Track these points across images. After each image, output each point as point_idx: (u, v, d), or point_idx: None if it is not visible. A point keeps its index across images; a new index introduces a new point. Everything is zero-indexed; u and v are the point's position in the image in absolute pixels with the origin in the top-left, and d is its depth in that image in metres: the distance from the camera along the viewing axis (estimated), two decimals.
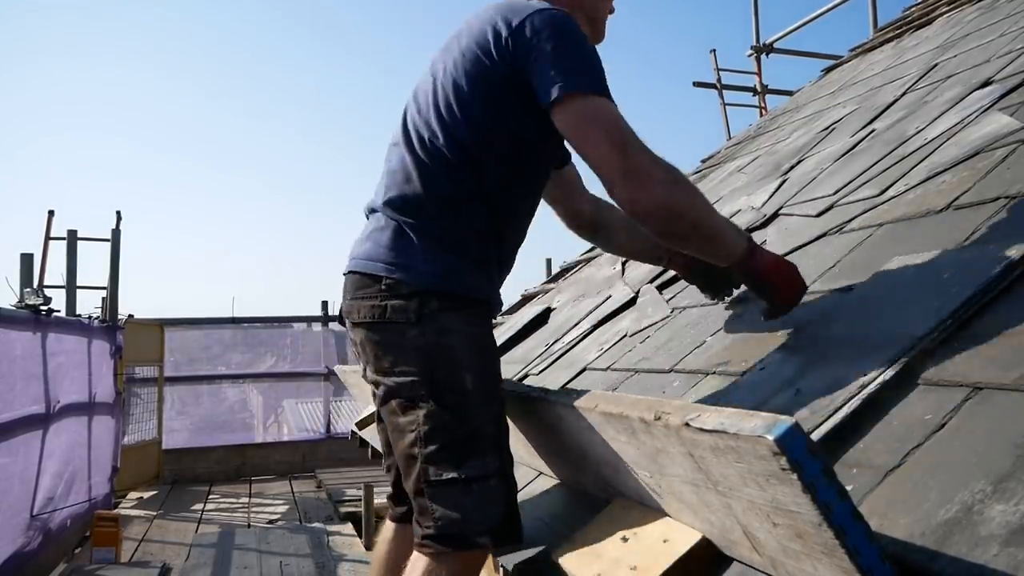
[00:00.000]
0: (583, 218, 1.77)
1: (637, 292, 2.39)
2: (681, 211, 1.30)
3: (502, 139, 1.39)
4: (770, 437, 0.76)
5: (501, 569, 1.46)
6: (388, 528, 1.70)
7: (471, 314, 1.37)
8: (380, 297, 1.35)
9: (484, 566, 1.39)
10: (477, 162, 1.38)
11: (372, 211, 1.48)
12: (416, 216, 1.38)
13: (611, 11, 1.61)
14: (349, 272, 1.44)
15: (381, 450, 1.65)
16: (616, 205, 1.35)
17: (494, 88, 1.37)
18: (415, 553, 1.34)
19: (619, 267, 2.93)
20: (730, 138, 5.35)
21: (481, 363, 1.36)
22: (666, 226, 1.32)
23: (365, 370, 1.44)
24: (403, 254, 1.36)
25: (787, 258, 1.51)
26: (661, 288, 2.30)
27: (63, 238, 6.34)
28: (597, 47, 1.46)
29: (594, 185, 1.46)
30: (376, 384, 1.39)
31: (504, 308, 4.16)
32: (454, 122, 1.38)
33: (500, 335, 3.28)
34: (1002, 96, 1.92)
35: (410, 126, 1.45)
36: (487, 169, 1.39)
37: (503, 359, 2.94)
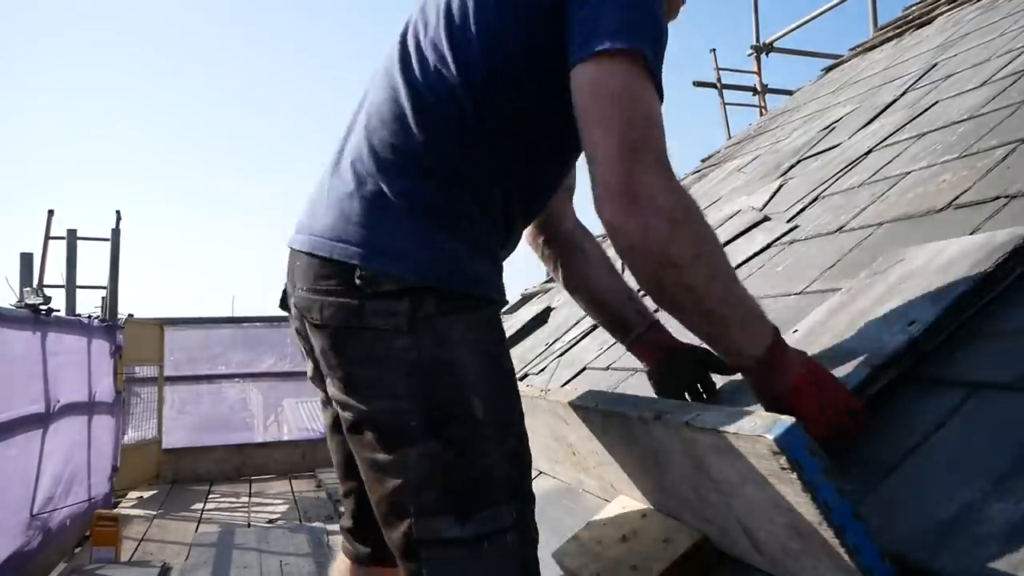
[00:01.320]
0: (558, 234, 1.39)
1: (637, 291, 2.39)
2: (677, 261, 0.93)
3: (531, 77, 1.02)
4: (770, 436, 0.76)
5: None
6: (343, 565, 1.31)
7: (478, 318, 1.03)
8: (354, 294, 0.99)
9: None
10: (496, 107, 1.02)
11: (339, 166, 1.10)
12: (408, 177, 1.01)
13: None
14: (305, 253, 1.06)
15: (337, 472, 1.27)
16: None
17: (530, 10, 1.01)
18: None
19: (619, 266, 2.93)
20: (730, 137, 5.35)
21: (495, 383, 1.03)
22: (651, 275, 0.96)
23: (323, 382, 1.12)
24: (387, 233, 1.00)
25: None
26: None
27: (63, 237, 6.33)
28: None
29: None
30: (342, 406, 1.04)
31: (504, 308, 4.15)
32: (468, 46, 1.01)
33: None
34: None
35: (410, 46, 1.07)
36: (508, 118, 1.04)
37: None
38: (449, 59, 1.02)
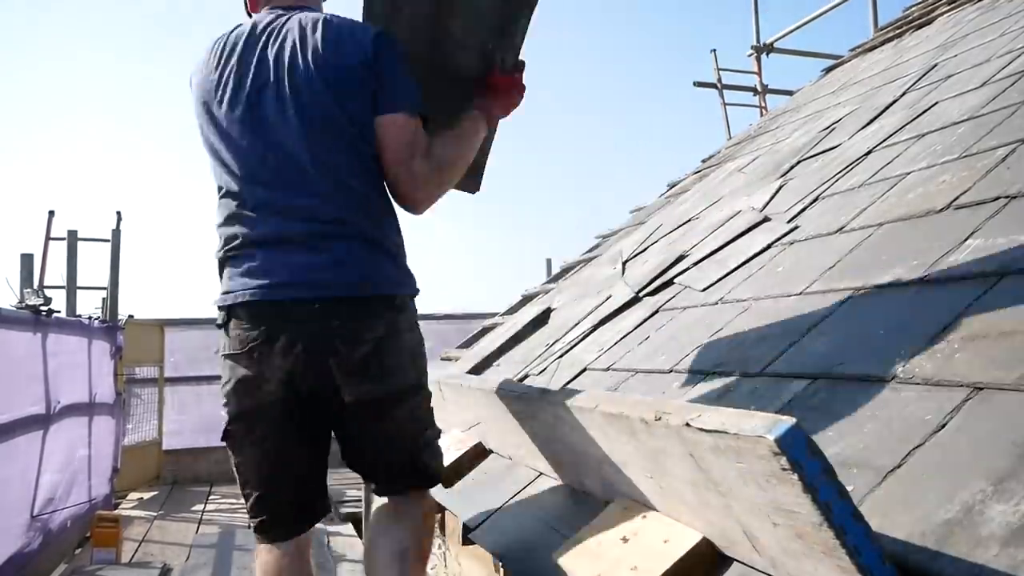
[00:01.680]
0: None
1: (638, 292, 2.39)
2: (449, 180, 1.56)
3: (371, 130, 1.46)
4: (770, 437, 0.76)
5: (502, 570, 1.46)
6: (271, 556, 1.53)
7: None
8: (389, 312, 1.45)
9: (486, 565, 1.39)
10: (373, 154, 1.47)
11: (289, 229, 1.42)
12: (379, 226, 1.47)
13: None
14: (329, 298, 1.40)
15: (281, 476, 1.54)
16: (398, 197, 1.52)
17: (363, 82, 1.44)
18: (397, 507, 1.55)
19: (619, 267, 2.93)
20: (730, 138, 5.36)
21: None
22: (441, 194, 1.57)
23: (297, 401, 1.45)
24: (385, 267, 1.46)
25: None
26: (661, 288, 2.29)
27: (63, 238, 6.34)
28: None
29: None
30: (364, 393, 1.43)
31: (504, 308, 4.16)
32: (351, 118, 1.43)
33: (500, 335, 3.27)
34: None
35: (291, 112, 1.42)
36: (377, 160, 1.48)
37: (504, 358, 2.94)
38: (347, 128, 1.43)
